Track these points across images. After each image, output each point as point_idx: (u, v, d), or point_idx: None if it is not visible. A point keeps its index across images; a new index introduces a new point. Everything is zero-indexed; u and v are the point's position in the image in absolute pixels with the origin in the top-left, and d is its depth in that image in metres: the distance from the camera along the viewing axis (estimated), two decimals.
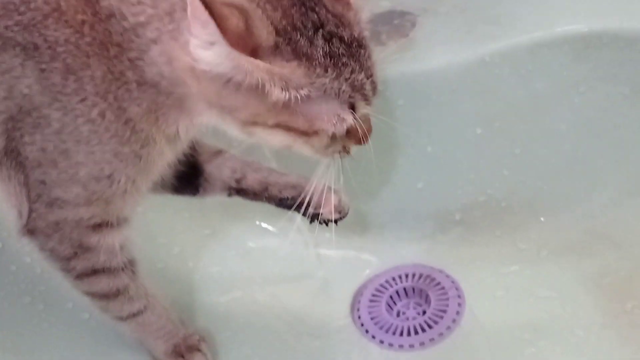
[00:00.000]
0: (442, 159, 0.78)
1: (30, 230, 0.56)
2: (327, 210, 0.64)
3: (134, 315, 0.64)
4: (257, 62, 0.45)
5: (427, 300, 0.75)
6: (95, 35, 0.49)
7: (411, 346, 0.71)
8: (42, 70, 0.50)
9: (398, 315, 0.75)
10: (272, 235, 0.81)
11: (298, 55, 0.47)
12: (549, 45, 0.72)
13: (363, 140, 0.53)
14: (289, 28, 0.47)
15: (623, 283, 0.70)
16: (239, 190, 0.66)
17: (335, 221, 0.64)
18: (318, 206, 0.64)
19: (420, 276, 0.77)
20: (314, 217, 0.64)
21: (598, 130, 0.75)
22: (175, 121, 0.53)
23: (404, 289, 0.77)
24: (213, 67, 0.46)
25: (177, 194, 0.65)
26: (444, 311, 0.73)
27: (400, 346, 0.71)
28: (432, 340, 0.71)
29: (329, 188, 0.61)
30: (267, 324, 0.75)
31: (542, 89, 0.74)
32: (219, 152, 0.66)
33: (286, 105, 0.47)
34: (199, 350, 0.69)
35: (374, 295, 0.77)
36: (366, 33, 0.51)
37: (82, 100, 0.50)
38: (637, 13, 0.71)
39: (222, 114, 0.50)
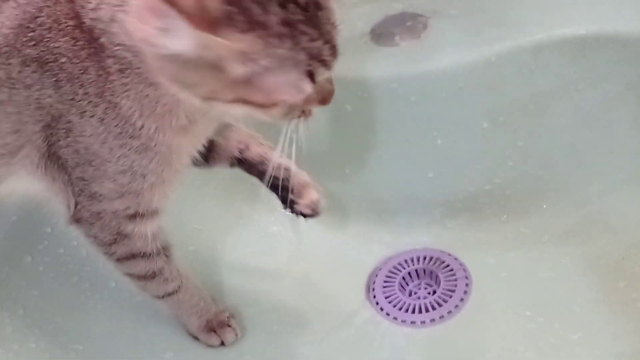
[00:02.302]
0: (451, 151, 0.80)
1: (76, 219, 0.60)
2: (304, 204, 0.64)
3: (170, 294, 0.67)
4: (216, 39, 0.43)
5: (437, 281, 0.78)
6: (84, 37, 0.50)
7: (422, 323, 0.75)
8: (56, 81, 0.52)
9: (410, 295, 0.78)
10: (290, 221, 0.81)
11: (252, 25, 0.44)
12: (550, 47, 0.74)
13: (323, 103, 0.51)
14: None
15: (616, 264, 0.72)
16: (240, 161, 0.65)
17: (306, 216, 0.64)
18: (298, 196, 0.64)
19: (431, 259, 0.80)
20: (292, 204, 0.64)
21: (595, 124, 0.77)
22: (171, 107, 0.52)
23: (416, 271, 0.80)
24: (171, 51, 0.44)
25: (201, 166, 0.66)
26: (453, 291, 0.76)
27: (413, 322, 0.75)
28: (441, 317, 0.74)
29: (310, 182, 0.62)
30: (290, 303, 0.78)
31: (543, 87, 0.76)
32: (228, 125, 0.65)
33: (243, 81, 0.45)
34: (229, 325, 0.72)
35: (387, 276, 0.80)
36: None
37: (89, 102, 0.52)
38: (630, 18, 0.73)
39: (182, 90, 0.49)
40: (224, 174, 0.80)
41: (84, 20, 0.50)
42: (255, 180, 0.85)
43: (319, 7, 0.46)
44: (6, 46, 0.52)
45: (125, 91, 0.51)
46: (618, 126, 0.76)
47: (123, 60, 0.50)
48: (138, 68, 0.50)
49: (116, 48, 0.50)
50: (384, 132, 0.81)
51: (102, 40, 0.50)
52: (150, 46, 0.45)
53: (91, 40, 0.50)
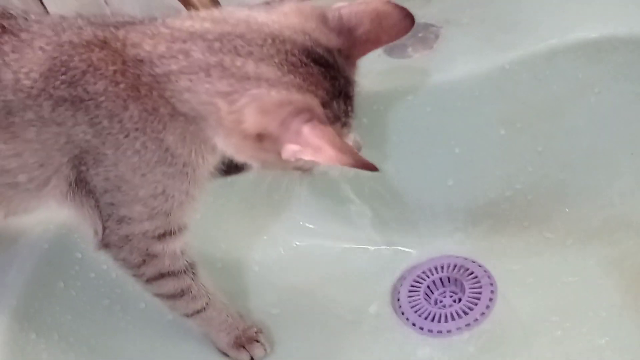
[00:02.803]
0: (469, 159, 0.80)
1: (105, 244, 0.62)
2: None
3: (198, 311, 0.68)
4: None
5: (462, 288, 0.78)
6: (127, 81, 0.54)
7: (449, 332, 0.75)
8: (91, 118, 0.55)
9: (436, 303, 0.78)
10: (316, 234, 0.85)
11: (336, 119, 0.54)
12: (564, 51, 0.74)
13: None
14: (328, 99, 0.53)
15: None
16: None
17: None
18: None
19: (455, 266, 0.80)
20: None
21: (613, 126, 0.76)
22: (209, 139, 0.57)
23: (440, 279, 0.80)
24: (291, 157, 0.52)
25: (226, 176, 0.68)
26: (478, 299, 0.76)
27: (439, 332, 0.75)
28: (467, 325, 0.74)
29: None
30: (316, 316, 0.79)
31: (559, 91, 0.76)
32: None
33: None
34: (257, 341, 0.73)
35: (412, 285, 0.80)
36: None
37: (126, 136, 0.55)
38: None
39: (246, 159, 0.57)
40: (245, 190, 0.82)
41: (131, 69, 0.54)
42: (277, 195, 0.87)
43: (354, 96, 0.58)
44: (36, 89, 0.55)
45: (171, 130, 0.56)
46: (637, 127, 0.75)
47: (177, 109, 0.55)
48: (193, 120, 0.55)
49: (172, 99, 0.54)
50: (402, 143, 0.81)
51: (154, 87, 0.54)
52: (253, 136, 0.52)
53: (136, 85, 0.54)
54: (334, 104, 0.54)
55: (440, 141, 0.80)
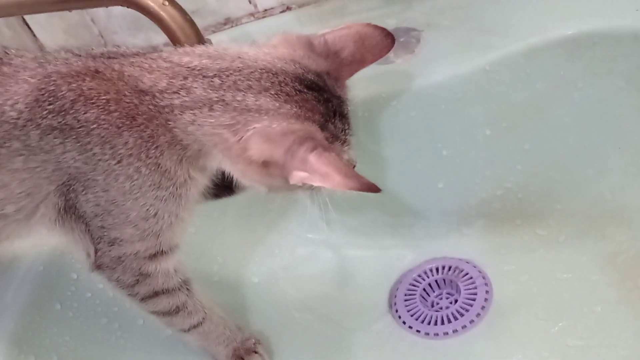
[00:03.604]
0: (457, 160, 0.80)
1: (98, 266, 0.63)
2: None
3: (195, 326, 0.69)
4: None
5: (458, 290, 0.78)
6: (121, 109, 0.56)
7: (445, 334, 0.75)
8: (81, 145, 0.56)
9: (432, 306, 0.79)
10: (311, 243, 0.86)
11: (335, 139, 0.57)
12: (543, 49, 0.74)
13: None
14: (324, 122, 0.56)
15: (635, 261, 0.71)
16: None
17: None
18: None
19: (450, 268, 0.80)
20: None
21: (599, 121, 0.76)
22: (204, 162, 0.59)
23: (436, 281, 0.80)
24: (298, 182, 0.54)
25: (217, 199, 0.71)
26: (474, 299, 0.76)
27: (436, 334, 0.75)
28: (464, 327, 0.74)
29: None
30: (314, 324, 0.79)
31: (542, 89, 0.76)
32: None
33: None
34: (256, 352, 0.73)
35: (408, 289, 0.80)
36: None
37: (119, 162, 0.56)
38: (620, 14, 0.72)
39: (250, 182, 0.59)
40: (240, 203, 0.83)
41: (127, 98, 0.56)
42: (272, 206, 0.87)
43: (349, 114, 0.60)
44: (22, 120, 0.56)
45: (169, 156, 0.58)
46: (623, 121, 0.75)
47: (176, 137, 0.57)
48: (191, 148, 0.58)
49: (175, 129, 0.57)
50: (389, 149, 0.81)
51: (155, 117, 0.56)
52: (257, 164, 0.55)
53: (132, 114, 0.56)
54: (330, 125, 0.57)
55: (427, 145, 0.80)
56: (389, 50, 0.61)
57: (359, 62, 0.61)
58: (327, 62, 0.59)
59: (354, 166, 0.64)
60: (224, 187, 0.69)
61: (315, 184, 0.53)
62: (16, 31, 0.91)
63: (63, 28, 0.93)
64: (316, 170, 0.52)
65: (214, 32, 0.93)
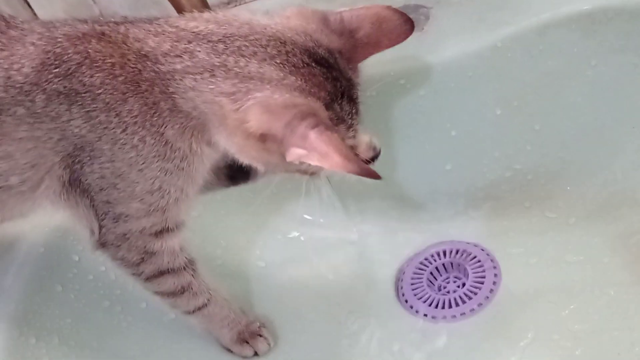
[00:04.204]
0: (466, 141, 0.79)
1: (102, 243, 0.62)
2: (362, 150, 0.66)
3: (199, 308, 0.68)
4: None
5: (465, 273, 0.78)
6: (126, 74, 0.54)
7: (453, 317, 0.74)
8: (87, 111, 0.55)
9: (439, 289, 0.78)
10: (317, 226, 0.85)
11: (340, 121, 0.55)
12: (557, 25, 0.72)
13: None
14: (329, 100, 0.54)
15: None
16: None
17: (373, 159, 0.66)
18: None
19: (457, 251, 0.80)
20: None
21: (612, 100, 0.74)
22: (208, 134, 0.57)
23: (443, 265, 0.79)
24: (296, 160, 0.52)
25: (234, 185, 0.71)
26: (482, 283, 0.76)
27: (444, 318, 0.74)
28: (472, 310, 0.74)
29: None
30: (320, 307, 0.78)
31: (554, 67, 0.74)
32: None
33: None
34: (260, 335, 0.73)
35: (415, 273, 0.80)
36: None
37: (124, 130, 0.55)
38: None
39: (247, 159, 0.57)
40: (244, 186, 0.82)
41: (131, 63, 0.55)
42: (276, 189, 0.86)
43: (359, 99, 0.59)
44: (28, 84, 0.54)
45: (171, 125, 0.56)
46: (637, 99, 0.74)
47: (177, 104, 0.55)
48: (193, 117, 0.56)
49: (175, 95, 0.55)
50: (397, 129, 0.80)
51: (156, 83, 0.55)
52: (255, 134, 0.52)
53: (137, 79, 0.54)
54: (337, 105, 0.55)
55: (435, 125, 0.79)
56: (407, 37, 0.59)
57: (374, 45, 0.59)
58: (340, 40, 0.57)
59: (379, 153, 0.64)
60: (241, 171, 0.68)
61: (313, 163, 0.51)
62: (17, 10, 0.89)
63: (63, 7, 0.91)
64: (315, 148, 0.50)
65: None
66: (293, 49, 0.54)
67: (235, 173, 0.68)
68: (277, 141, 0.52)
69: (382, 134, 0.80)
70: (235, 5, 0.91)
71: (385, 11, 0.58)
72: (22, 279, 0.69)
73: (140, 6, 0.90)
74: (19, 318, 0.67)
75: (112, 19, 0.59)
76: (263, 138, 0.52)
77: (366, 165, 0.51)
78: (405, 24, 0.59)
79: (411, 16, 0.77)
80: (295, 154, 0.51)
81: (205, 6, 0.64)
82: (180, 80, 0.54)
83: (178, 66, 0.54)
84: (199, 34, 0.55)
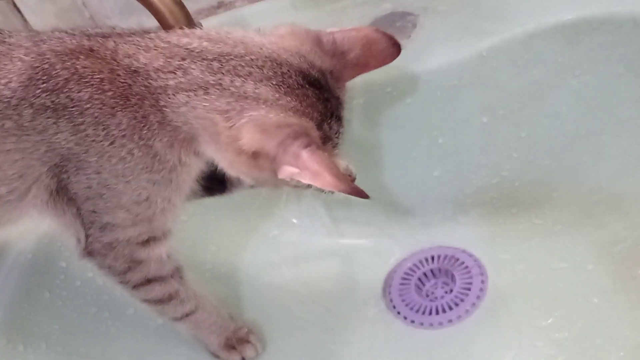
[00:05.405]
0: (453, 148, 0.80)
1: (89, 252, 0.62)
2: None
3: (187, 315, 0.69)
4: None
5: (453, 279, 0.78)
6: (115, 89, 0.55)
7: (440, 324, 0.74)
8: (74, 125, 0.55)
9: (427, 295, 0.78)
10: (306, 231, 0.85)
11: (327, 140, 0.56)
12: (541, 35, 0.73)
13: None
14: (320, 120, 0.55)
15: (631, 250, 0.70)
16: None
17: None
18: None
19: (445, 257, 0.80)
20: None
21: (597, 109, 0.75)
22: (196, 145, 0.58)
23: (431, 270, 0.80)
24: (287, 177, 0.53)
25: (209, 195, 0.70)
26: (469, 289, 0.76)
27: (430, 324, 0.75)
28: (459, 317, 0.74)
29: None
30: (308, 313, 0.79)
31: (539, 76, 0.75)
32: None
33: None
34: (248, 341, 0.74)
35: (403, 278, 0.80)
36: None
37: (111, 143, 0.55)
38: None
39: (237, 172, 0.58)
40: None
41: (121, 78, 0.55)
42: (266, 194, 0.86)
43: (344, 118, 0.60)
44: (16, 99, 0.55)
45: (160, 137, 0.56)
46: (621, 109, 0.74)
47: (167, 118, 0.56)
48: (182, 130, 0.56)
49: (166, 109, 0.55)
50: (384, 136, 0.80)
51: (146, 97, 0.55)
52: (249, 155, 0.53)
53: (126, 93, 0.55)
54: (326, 125, 0.56)
55: (423, 132, 0.79)
56: (393, 59, 0.61)
57: (362, 66, 0.60)
58: (332, 61, 0.58)
59: (354, 179, 0.64)
60: (217, 181, 0.68)
61: (305, 181, 0.52)
62: (6, 15, 0.89)
63: (54, 12, 0.91)
64: (308, 167, 0.51)
65: (207, 16, 0.92)
66: (289, 70, 0.55)
67: (211, 184, 0.68)
68: (270, 159, 0.53)
69: (369, 142, 0.81)
70: (225, 10, 0.91)
71: (374, 34, 0.60)
72: (10, 285, 0.69)
73: (131, 10, 0.90)
74: (7, 324, 0.67)
75: (101, 31, 0.59)
76: (255, 155, 0.53)
77: (355, 185, 0.52)
78: (393, 47, 0.60)
79: (398, 24, 0.79)
80: (287, 172, 0.52)
81: (188, 20, 0.64)
82: (173, 95, 0.55)
83: (171, 82, 0.55)
84: (192, 51, 0.56)
